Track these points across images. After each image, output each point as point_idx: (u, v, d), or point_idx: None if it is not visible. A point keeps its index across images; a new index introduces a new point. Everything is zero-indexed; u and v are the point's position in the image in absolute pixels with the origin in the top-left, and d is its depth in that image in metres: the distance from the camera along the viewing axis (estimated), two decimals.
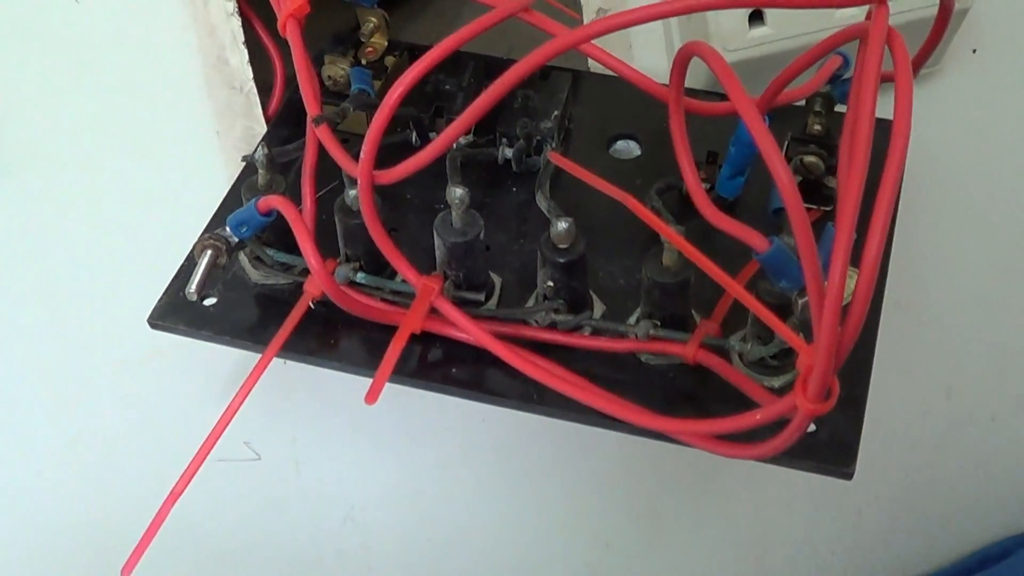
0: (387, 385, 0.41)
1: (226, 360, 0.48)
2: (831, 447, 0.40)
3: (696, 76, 0.49)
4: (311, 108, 0.43)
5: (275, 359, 0.43)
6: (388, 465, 0.56)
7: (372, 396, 0.40)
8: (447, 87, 0.50)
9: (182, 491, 0.43)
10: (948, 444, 0.62)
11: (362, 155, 0.39)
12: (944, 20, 0.41)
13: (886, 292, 0.44)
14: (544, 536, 0.58)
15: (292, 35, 0.45)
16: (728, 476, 0.59)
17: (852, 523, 0.62)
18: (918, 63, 0.44)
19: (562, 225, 0.40)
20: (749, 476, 0.59)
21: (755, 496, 0.60)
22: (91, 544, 0.52)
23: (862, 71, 0.34)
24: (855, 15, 0.40)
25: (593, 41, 0.39)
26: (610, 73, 0.45)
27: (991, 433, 0.63)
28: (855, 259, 0.32)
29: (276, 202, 0.41)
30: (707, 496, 0.60)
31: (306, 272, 0.43)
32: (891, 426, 0.60)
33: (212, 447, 0.43)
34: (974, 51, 0.58)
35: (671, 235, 0.37)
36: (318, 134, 0.42)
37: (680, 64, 0.40)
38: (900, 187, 0.46)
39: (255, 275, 0.45)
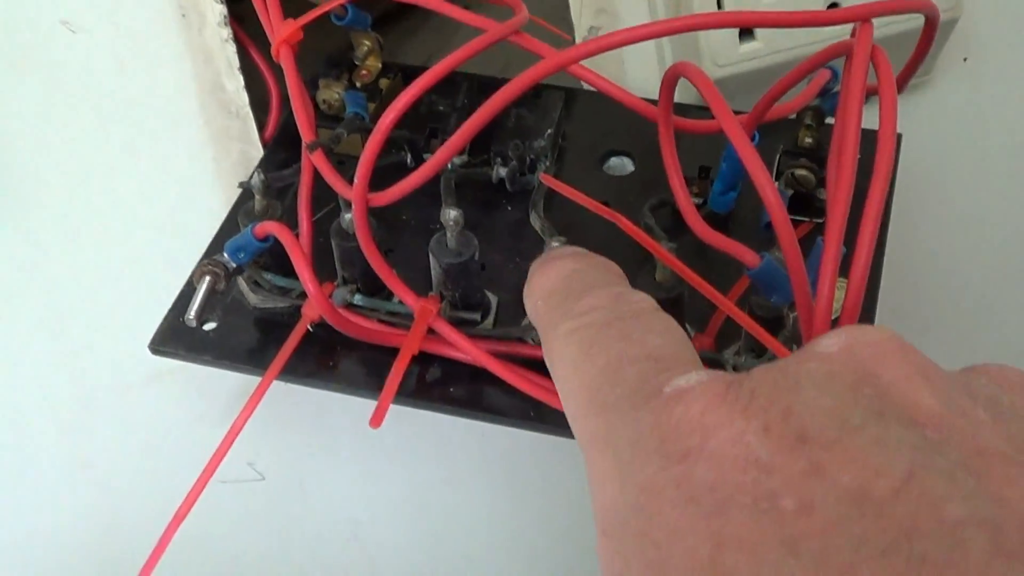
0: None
1: (228, 381, 0.49)
2: None
3: (689, 90, 0.49)
4: (305, 135, 0.43)
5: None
6: (393, 482, 0.56)
7: (377, 420, 0.40)
8: (441, 108, 0.51)
9: (185, 514, 0.43)
10: None
11: (356, 181, 0.39)
12: (930, 33, 0.41)
13: (883, 300, 0.45)
14: (551, 549, 0.58)
15: (286, 62, 0.45)
16: None
17: None
18: (907, 75, 0.45)
19: (555, 245, 0.40)
20: None
21: None
22: (95, 568, 0.52)
23: (847, 89, 0.34)
24: (844, 28, 0.41)
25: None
26: None
27: None
28: (845, 271, 0.32)
29: (272, 228, 0.41)
30: None
31: (304, 296, 0.44)
32: None
33: (214, 471, 0.43)
34: (965, 59, 0.58)
35: (662, 254, 0.37)
36: (313, 160, 0.43)
37: (668, 86, 0.40)
38: (888, 201, 0.47)
39: (254, 299, 0.46)
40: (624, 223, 0.38)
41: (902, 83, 0.45)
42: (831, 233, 0.33)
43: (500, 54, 0.45)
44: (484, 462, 0.56)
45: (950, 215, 0.59)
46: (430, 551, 0.57)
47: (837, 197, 0.33)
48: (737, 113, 0.46)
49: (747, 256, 0.36)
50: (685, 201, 0.41)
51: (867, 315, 0.43)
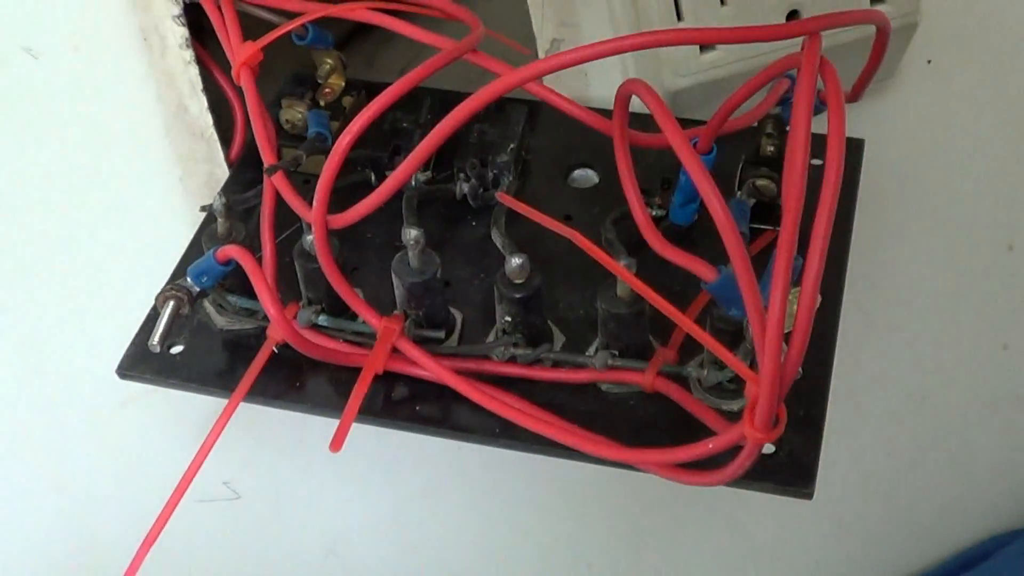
0: (357, 423, 0.41)
1: (200, 402, 0.48)
2: (790, 468, 0.40)
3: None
4: (266, 158, 0.44)
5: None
6: (368, 497, 0.56)
7: (336, 444, 0.40)
8: (404, 124, 0.51)
9: (158, 533, 0.43)
10: (924, 449, 0.63)
11: (315, 202, 0.39)
12: (882, 43, 0.41)
13: (853, 303, 0.45)
14: (526, 560, 0.58)
15: (246, 84, 0.45)
16: (707, 493, 0.60)
17: (834, 534, 0.62)
18: (862, 84, 0.45)
19: (516, 261, 0.40)
20: (728, 492, 0.60)
21: (735, 511, 0.60)
22: None
23: (796, 103, 0.35)
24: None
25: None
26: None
27: (965, 435, 0.63)
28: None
29: (234, 252, 0.41)
30: (686, 514, 0.60)
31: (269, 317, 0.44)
32: (866, 434, 0.61)
33: (185, 491, 0.43)
34: (929, 62, 0.58)
35: (619, 271, 0.38)
36: (273, 182, 0.43)
37: (621, 102, 0.40)
38: (851, 205, 0.47)
39: (220, 321, 0.46)
40: (581, 241, 0.39)
41: (859, 91, 0.45)
42: (782, 245, 0.33)
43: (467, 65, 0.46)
44: (459, 474, 0.56)
45: (916, 216, 0.59)
46: (408, 563, 0.57)
47: (788, 210, 0.33)
48: (699, 124, 0.46)
49: (704, 270, 0.37)
50: (642, 216, 0.41)
51: (829, 320, 0.44)
